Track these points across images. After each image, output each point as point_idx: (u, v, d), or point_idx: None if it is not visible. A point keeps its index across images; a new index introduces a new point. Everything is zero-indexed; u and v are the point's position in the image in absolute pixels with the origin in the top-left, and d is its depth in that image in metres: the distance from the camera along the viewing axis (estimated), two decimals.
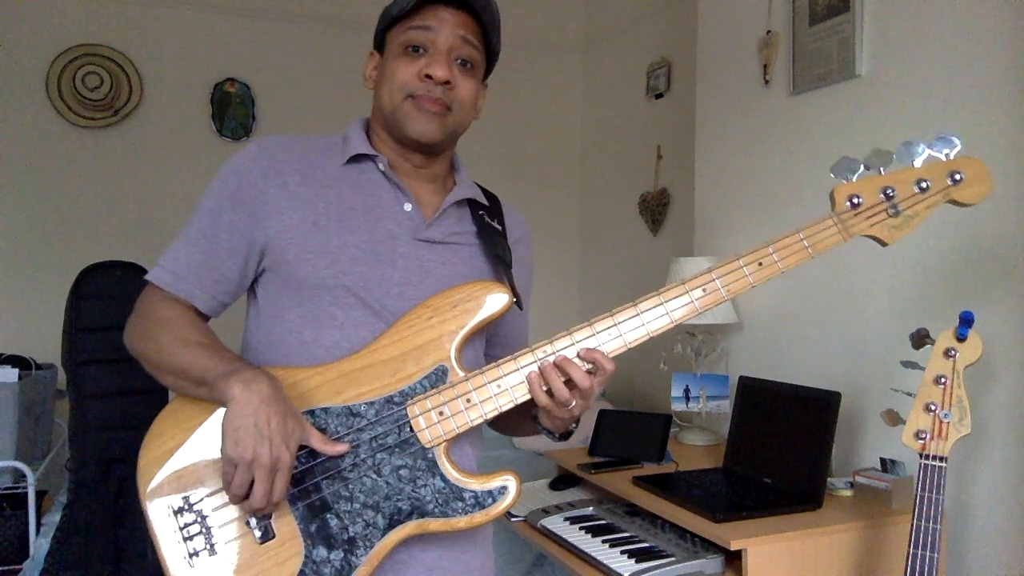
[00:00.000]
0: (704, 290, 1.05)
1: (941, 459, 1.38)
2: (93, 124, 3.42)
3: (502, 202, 1.26)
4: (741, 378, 2.13)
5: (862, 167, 1.08)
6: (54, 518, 2.21)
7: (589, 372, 1.02)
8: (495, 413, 1.04)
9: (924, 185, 1.08)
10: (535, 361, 1.03)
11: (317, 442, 0.98)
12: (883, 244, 1.10)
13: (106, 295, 1.40)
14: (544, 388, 1.02)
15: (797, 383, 1.97)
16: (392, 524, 1.01)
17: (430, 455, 1.02)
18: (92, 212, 3.43)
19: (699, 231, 2.72)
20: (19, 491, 2.67)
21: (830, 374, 2.08)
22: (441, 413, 1.02)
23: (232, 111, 3.63)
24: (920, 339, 1.46)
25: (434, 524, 1.01)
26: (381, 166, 1.10)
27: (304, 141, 1.14)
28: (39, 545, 2.26)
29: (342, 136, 1.16)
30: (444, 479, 1.02)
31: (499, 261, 1.14)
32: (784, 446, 1.91)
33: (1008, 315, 1.69)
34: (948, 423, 1.38)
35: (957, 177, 1.09)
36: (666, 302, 1.05)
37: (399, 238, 1.09)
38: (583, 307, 4.21)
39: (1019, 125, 1.69)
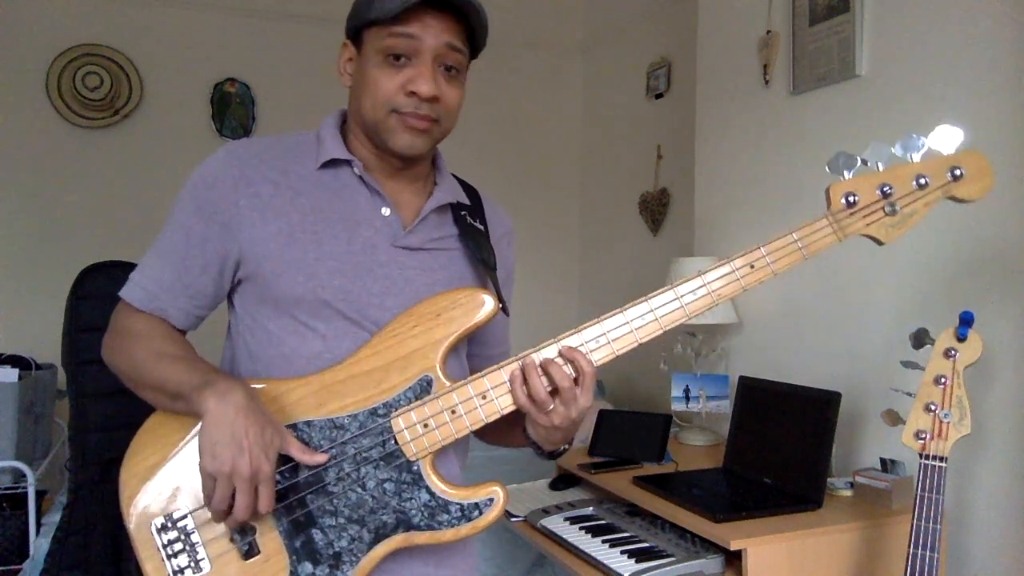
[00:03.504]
0: (693, 294, 1.02)
1: (941, 459, 1.38)
2: (93, 124, 3.43)
3: (483, 196, 1.22)
4: (741, 378, 2.13)
5: (859, 162, 1.05)
6: (54, 518, 2.21)
7: (572, 375, 1.00)
8: (480, 424, 1.02)
9: (923, 181, 1.04)
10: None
11: (296, 451, 0.96)
12: (880, 243, 1.06)
13: (106, 295, 1.39)
14: (524, 390, 1.00)
15: (797, 383, 1.96)
16: (378, 538, 0.99)
17: (415, 468, 1.00)
18: (92, 212, 3.43)
19: (699, 231, 2.72)
20: (19, 491, 2.68)
21: (830, 374, 2.08)
22: (426, 425, 1.00)
23: (232, 111, 3.63)
24: (920, 339, 1.46)
25: (420, 537, 1.00)
26: (357, 170, 1.07)
27: (275, 143, 1.10)
28: (39, 545, 2.26)
29: (315, 134, 1.12)
30: (430, 492, 1.00)
31: (483, 265, 1.11)
32: (784, 446, 1.90)
33: (1008, 315, 1.69)
34: (948, 423, 1.38)
35: (957, 172, 1.05)
36: (655, 308, 1.02)
37: (378, 246, 1.06)
38: (583, 307, 4.20)
39: (1020, 125, 1.68)
